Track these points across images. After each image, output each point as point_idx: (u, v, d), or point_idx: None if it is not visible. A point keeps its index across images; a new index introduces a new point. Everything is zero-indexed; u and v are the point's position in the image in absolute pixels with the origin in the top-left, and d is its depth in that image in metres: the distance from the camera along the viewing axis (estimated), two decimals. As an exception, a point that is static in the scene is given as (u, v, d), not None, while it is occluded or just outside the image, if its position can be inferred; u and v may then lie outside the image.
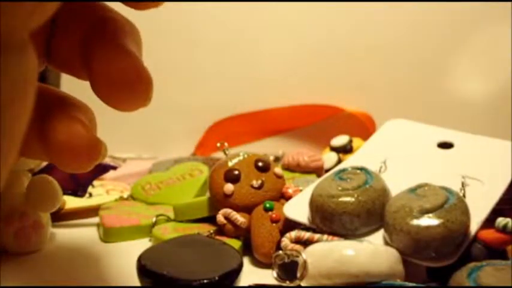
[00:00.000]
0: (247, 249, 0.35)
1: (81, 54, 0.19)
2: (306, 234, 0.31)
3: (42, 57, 0.20)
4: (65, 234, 0.40)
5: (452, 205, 0.29)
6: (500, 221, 0.29)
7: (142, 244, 0.37)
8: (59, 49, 0.20)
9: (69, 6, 0.19)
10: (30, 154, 0.19)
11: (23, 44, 0.12)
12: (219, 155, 0.49)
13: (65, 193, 0.38)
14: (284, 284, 0.28)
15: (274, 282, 0.29)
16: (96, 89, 0.18)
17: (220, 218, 0.36)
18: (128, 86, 0.18)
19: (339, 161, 0.49)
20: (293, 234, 0.32)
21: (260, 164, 0.38)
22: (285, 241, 0.32)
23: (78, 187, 0.40)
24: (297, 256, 0.28)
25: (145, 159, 0.60)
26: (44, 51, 0.20)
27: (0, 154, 0.12)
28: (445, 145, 0.39)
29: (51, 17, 0.18)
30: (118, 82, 0.18)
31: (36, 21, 0.12)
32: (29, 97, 0.12)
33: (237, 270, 0.29)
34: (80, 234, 0.40)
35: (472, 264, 0.26)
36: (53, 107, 0.19)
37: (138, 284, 0.29)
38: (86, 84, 0.19)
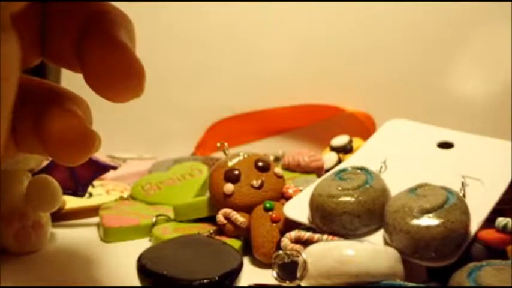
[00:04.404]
0: (247, 249, 0.35)
1: (75, 47, 0.19)
2: (306, 234, 0.31)
3: (36, 50, 0.20)
4: (65, 234, 0.40)
5: (452, 205, 0.29)
6: (500, 221, 0.29)
7: (142, 244, 0.38)
8: (53, 42, 0.20)
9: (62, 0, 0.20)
10: (27, 148, 0.19)
11: (5, 25, 0.12)
12: (219, 155, 0.49)
13: (65, 193, 0.38)
14: (284, 284, 0.28)
15: (274, 282, 0.29)
16: (89, 80, 0.18)
17: (220, 218, 0.36)
18: (120, 77, 0.18)
19: (339, 161, 0.49)
20: (293, 234, 0.32)
21: (260, 164, 0.38)
22: (285, 241, 0.32)
23: (78, 187, 0.40)
24: (297, 256, 0.28)
25: (145, 159, 0.60)
26: (37, 45, 0.20)
27: None
28: (445, 145, 0.39)
29: (40, 8, 0.18)
30: (110, 74, 0.18)
31: (17, 4, 0.12)
32: (12, 77, 0.13)
33: (237, 270, 0.29)
34: (80, 234, 0.40)
35: (472, 264, 0.26)
36: (47, 100, 0.19)
37: (138, 284, 0.29)
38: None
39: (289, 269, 0.29)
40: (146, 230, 0.39)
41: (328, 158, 0.50)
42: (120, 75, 0.18)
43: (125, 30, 0.19)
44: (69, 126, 0.18)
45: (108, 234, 0.39)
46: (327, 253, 0.27)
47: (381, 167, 0.37)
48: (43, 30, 0.20)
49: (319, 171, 0.48)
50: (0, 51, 0.12)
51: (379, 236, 0.31)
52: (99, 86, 0.18)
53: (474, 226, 0.29)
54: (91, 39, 0.18)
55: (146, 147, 0.65)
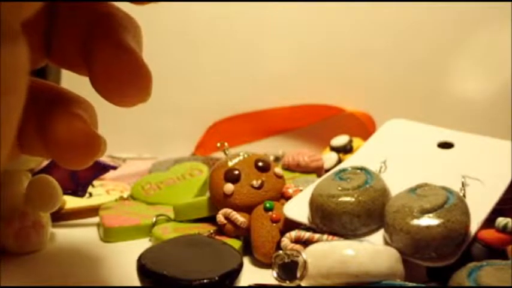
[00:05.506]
0: (247, 249, 0.35)
1: (81, 50, 0.19)
2: (306, 234, 0.31)
3: (42, 53, 0.20)
4: (65, 234, 0.40)
5: (452, 205, 0.29)
6: (500, 221, 0.29)
7: (142, 244, 0.38)
8: (59, 45, 0.20)
9: (68, 2, 0.19)
10: (31, 150, 0.19)
11: (14, 34, 0.12)
12: (219, 155, 0.49)
13: (65, 193, 0.38)
14: (284, 284, 0.28)
15: (274, 282, 0.29)
16: (96, 85, 0.18)
17: (220, 218, 0.36)
18: (128, 82, 0.18)
19: (339, 161, 0.49)
20: (293, 234, 0.32)
21: (260, 164, 0.38)
22: (285, 241, 0.32)
23: (78, 187, 0.40)
24: (297, 256, 0.28)
25: (145, 159, 0.60)
26: (43, 47, 0.20)
27: None
28: (445, 145, 0.39)
29: (46, 11, 0.17)
30: (117, 78, 0.18)
31: (27, 11, 0.12)
32: (21, 88, 0.13)
33: (237, 270, 0.29)
34: (80, 234, 0.40)
35: (472, 264, 0.26)
36: (53, 103, 0.19)
37: (138, 284, 0.29)
38: (87, 81, 0.19)
39: (289, 269, 0.29)
40: (146, 230, 0.39)
41: (328, 158, 0.50)
42: (126, 80, 0.18)
43: (131, 33, 0.19)
44: (74, 130, 0.18)
45: (108, 234, 0.39)
46: (327, 253, 0.27)
47: (381, 167, 0.37)
48: (48, 33, 0.20)
49: (319, 171, 0.48)
50: (10, 62, 0.12)
51: (379, 236, 0.31)
52: (105, 91, 0.18)
53: (474, 226, 0.29)
54: (98, 43, 0.18)
55: (146, 147, 0.65)
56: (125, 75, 0.18)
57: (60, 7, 0.19)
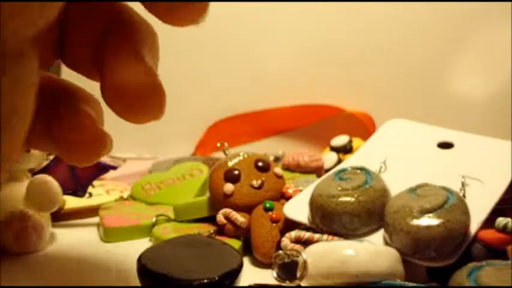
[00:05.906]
0: (247, 249, 0.35)
1: (94, 55, 0.19)
2: (306, 234, 0.31)
3: (52, 54, 0.20)
4: (65, 234, 0.40)
5: (452, 205, 0.29)
6: (500, 221, 0.29)
7: (142, 244, 0.37)
8: (71, 47, 0.19)
9: (83, 3, 0.19)
10: (38, 146, 0.19)
11: (23, 49, 0.12)
12: (219, 155, 0.49)
13: (65, 193, 0.38)
14: (284, 284, 0.28)
15: (274, 282, 0.29)
16: (107, 99, 0.18)
17: (220, 218, 0.36)
18: (141, 100, 0.18)
19: (339, 161, 0.49)
20: (293, 234, 0.32)
21: (260, 164, 0.38)
22: (285, 241, 0.32)
23: (78, 187, 0.40)
24: (297, 256, 0.28)
25: (145, 159, 0.60)
26: (54, 48, 0.19)
27: (1, 156, 0.12)
28: (445, 145, 0.39)
29: (60, 14, 0.17)
30: (131, 95, 0.17)
31: (40, 23, 0.12)
32: (29, 103, 0.12)
33: (237, 270, 0.29)
34: (80, 234, 0.40)
35: (472, 264, 0.26)
36: (61, 99, 0.19)
37: (138, 284, 0.29)
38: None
39: (289, 269, 0.29)
40: (146, 230, 0.39)
41: (328, 158, 0.50)
42: (140, 97, 0.17)
43: (147, 43, 0.18)
44: (82, 127, 0.18)
45: (108, 234, 0.39)
46: (327, 253, 0.27)
47: (381, 167, 0.37)
48: (61, 37, 0.19)
49: (319, 171, 0.48)
50: (15, 82, 0.12)
51: (379, 236, 0.31)
52: (117, 106, 0.18)
53: (474, 226, 0.29)
54: (112, 53, 0.18)
55: (146, 147, 0.65)
56: (138, 94, 0.17)
57: (73, 9, 0.19)
